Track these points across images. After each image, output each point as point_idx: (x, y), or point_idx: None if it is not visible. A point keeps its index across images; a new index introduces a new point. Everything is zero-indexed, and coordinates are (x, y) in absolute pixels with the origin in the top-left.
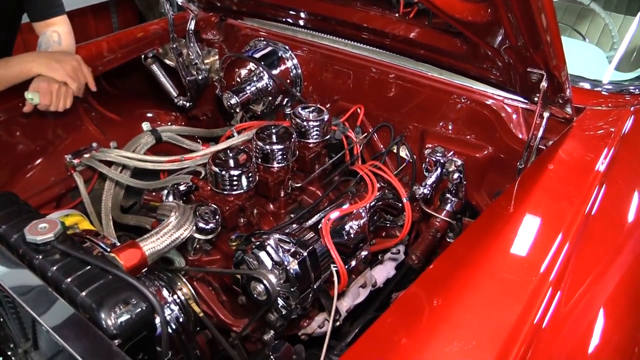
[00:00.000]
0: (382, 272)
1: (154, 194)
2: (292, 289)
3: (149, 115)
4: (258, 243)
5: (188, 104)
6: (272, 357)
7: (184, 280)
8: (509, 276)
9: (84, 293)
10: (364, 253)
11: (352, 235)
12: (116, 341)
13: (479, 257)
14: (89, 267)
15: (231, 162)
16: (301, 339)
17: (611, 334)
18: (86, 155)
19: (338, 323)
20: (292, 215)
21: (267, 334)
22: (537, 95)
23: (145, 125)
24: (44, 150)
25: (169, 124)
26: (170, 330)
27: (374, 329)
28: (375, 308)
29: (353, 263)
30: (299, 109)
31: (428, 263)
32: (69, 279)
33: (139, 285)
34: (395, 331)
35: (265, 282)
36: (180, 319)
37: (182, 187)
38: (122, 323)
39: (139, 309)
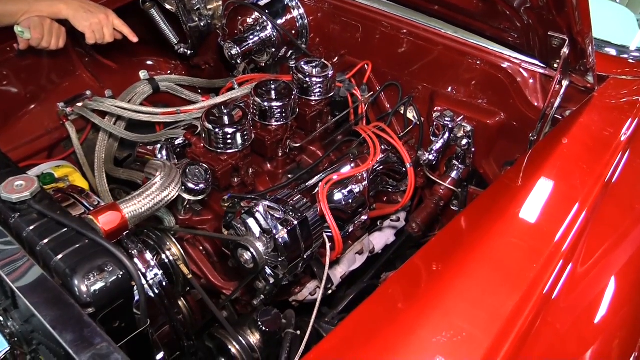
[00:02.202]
0: (381, 239)
1: (148, 147)
2: (280, 259)
3: (148, 63)
4: (247, 209)
5: (189, 52)
6: (259, 322)
7: (174, 240)
8: (520, 243)
9: (58, 257)
10: (362, 218)
11: (350, 200)
12: (89, 310)
13: (484, 232)
14: (66, 229)
15: (225, 119)
16: (292, 304)
17: (620, 306)
18: (79, 104)
19: (330, 291)
20: (289, 176)
21: (257, 298)
22: (557, 61)
23: (143, 74)
24: (35, 97)
25: (169, 72)
26: (152, 295)
27: (372, 300)
28: (370, 276)
29: (350, 229)
30: (302, 63)
31: (428, 231)
32: (44, 242)
33: (115, 252)
34: (392, 303)
35: (252, 250)
36: (164, 283)
37: (178, 142)
38: (95, 291)
39: (115, 277)
